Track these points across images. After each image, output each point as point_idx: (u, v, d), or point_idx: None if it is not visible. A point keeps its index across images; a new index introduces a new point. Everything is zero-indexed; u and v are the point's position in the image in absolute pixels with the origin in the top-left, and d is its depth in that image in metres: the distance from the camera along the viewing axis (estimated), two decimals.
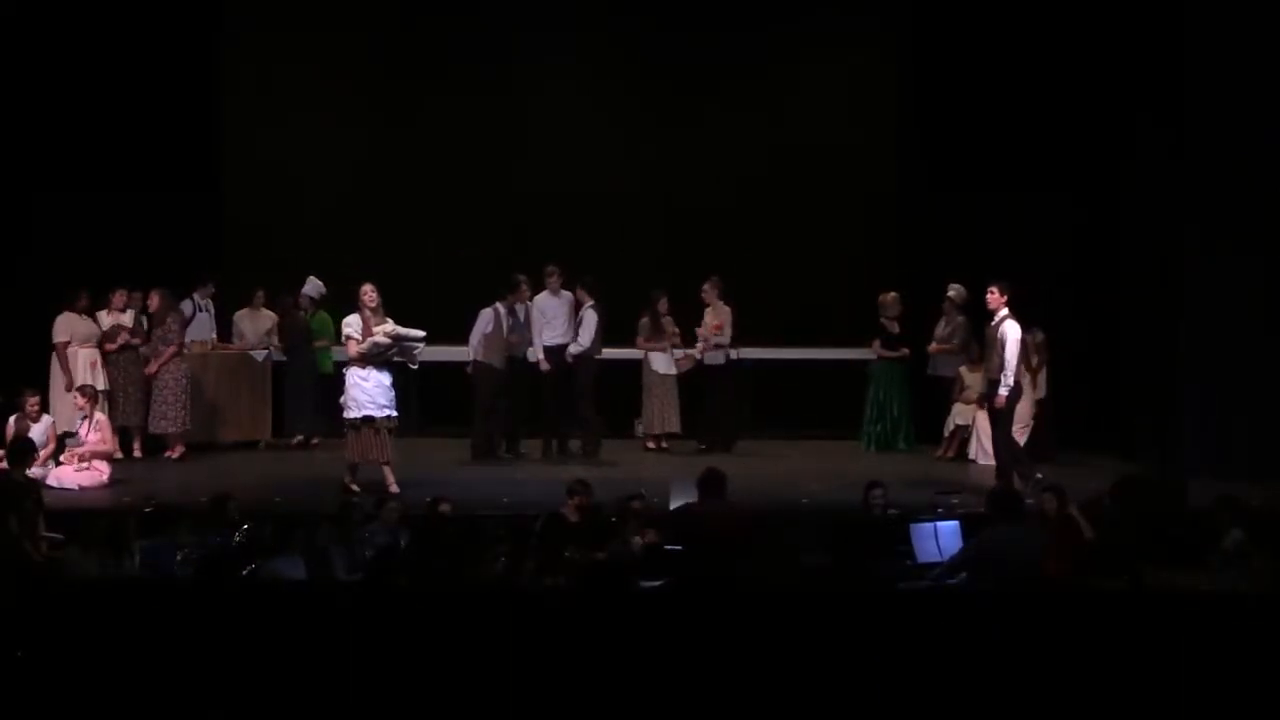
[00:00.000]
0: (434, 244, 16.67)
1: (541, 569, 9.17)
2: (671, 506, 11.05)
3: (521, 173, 17.00)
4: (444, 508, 10.72)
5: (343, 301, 15.84)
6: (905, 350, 15.41)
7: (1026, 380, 14.91)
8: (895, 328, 15.64)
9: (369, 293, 12.75)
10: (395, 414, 12.76)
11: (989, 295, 12.79)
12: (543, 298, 15.12)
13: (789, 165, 17.03)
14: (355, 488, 12.51)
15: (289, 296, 15.68)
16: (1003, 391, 12.61)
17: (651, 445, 15.54)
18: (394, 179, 17.07)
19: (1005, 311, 12.69)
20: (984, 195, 15.66)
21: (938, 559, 9.80)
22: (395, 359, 12.80)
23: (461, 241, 16.62)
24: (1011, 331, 12.58)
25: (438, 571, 8.79)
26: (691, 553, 9.48)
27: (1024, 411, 14.89)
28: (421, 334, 13.05)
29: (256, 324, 15.58)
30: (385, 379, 12.68)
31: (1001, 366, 12.57)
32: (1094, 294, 15.44)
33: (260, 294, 15.64)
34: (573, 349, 14.89)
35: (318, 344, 15.65)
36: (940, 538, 10.07)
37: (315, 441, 15.56)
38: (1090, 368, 15.23)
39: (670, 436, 15.55)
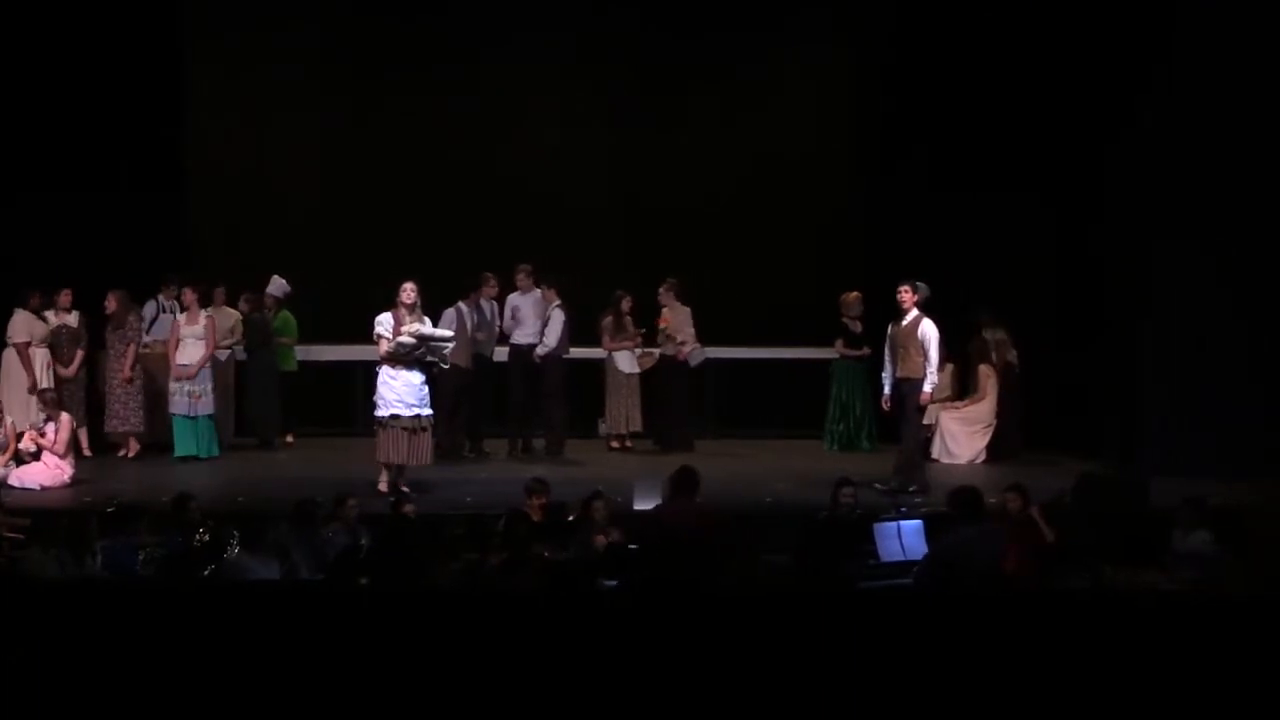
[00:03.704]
0: (402, 242, 16.60)
1: (505, 568, 9.13)
2: (635, 506, 11.05)
3: (489, 172, 16.96)
4: (408, 509, 10.69)
5: (309, 301, 15.91)
6: (867, 349, 15.43)
7: (991, 379, 15.00)
8: (857, 327, 15.66)
9: (409, 291, 12.56)
10: (427, 413, 12.66)
11: (901, 294, 12.92)
12: (513, 296, 15.10)
13: (753, 166, 17.08)
14: (384, 488, 12.44)
15: (255, 295, 15.58)
16: (927, 389, 12.81)
17: (615, 445, 15.53)
18: (362, 177, 17.00)
19: (917, 312, 12.81)
20: (948, 195, 15.69)
21: (900, 558, 9.81)
22: (425, 359, 12.69)
23: (430, 240, 16.56)
24: (932, 330, 12.78)
25: (400, 571, 8.75)
26: (654, 552, 9.46)
27: (984, 411, 14.98)
28: (450, 334, 13.03)
29: (219, 322, 15.46)
30: (415, 378, 12.55)
31: (924, 365, 12.75)
32: (1060, 292, 15.49)
33: (220, 292, 15.53)
34: (539, 350, 14.86)
35: (281, 341, 15.58)
36: (904, 537, 10.07)
37: (290, 440, 15.53)
38: (1057, 366, 15.27)
39: (634, 436, 15.55)
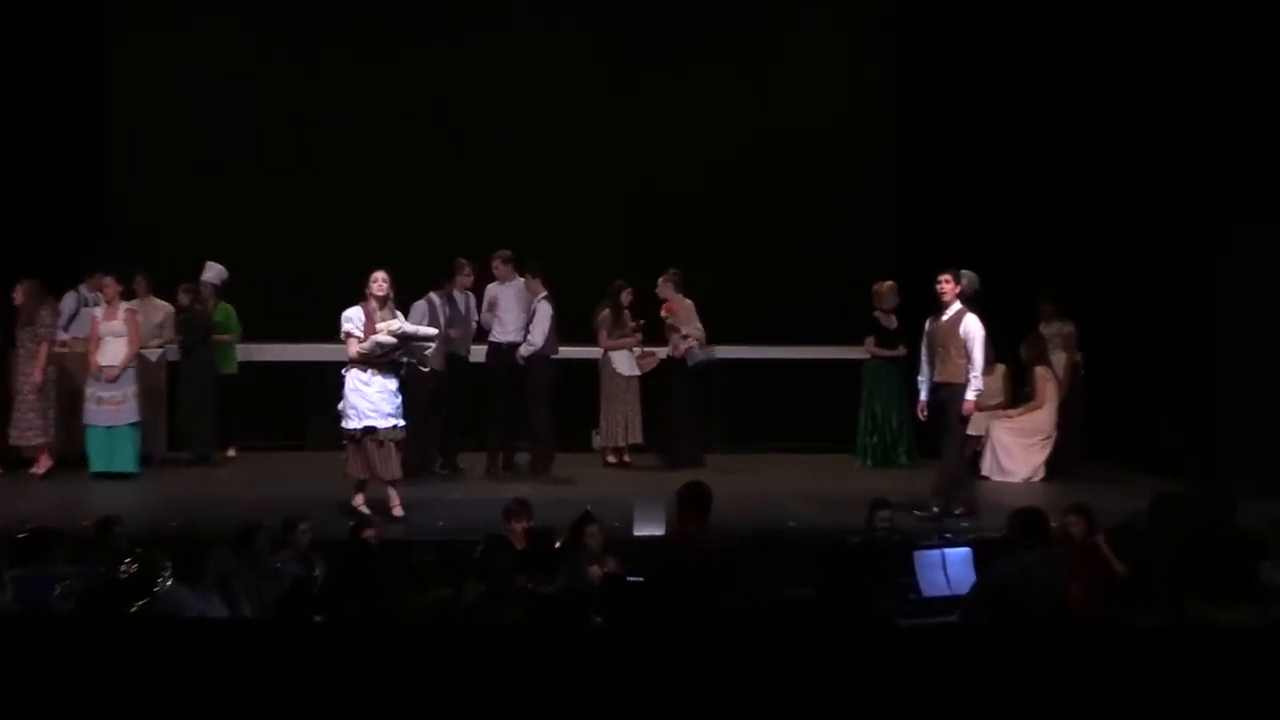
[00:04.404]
0: (360, 225, 16.60)
1: (483, 602, 9.11)
2: (635, 531, 11.02)
3: (463, 145, 17.01)
4: (368, 533, 10.67)
5: (253, 293, 15.89)
6: (903, 349, 15.40)
7: (1051, 383, 14.97)
8: (892, 322, 15.66)
9: (380, 281, 12.57)
10: (402, 424, 12.67)
11: (942, 284, 12.85)
12: (492, 287, 15.09)
13: (768, 133, 17.10)
14: (365, 509, 12.46)
15: (194, 284, 15.55)
16: (971, 395, 12.73)
17: (612, 459, 15.54)
18: (315, 151, 17.03)
19: (960, 305, 12.78)
20: (996, 170, 15.73)
21: (945, 592, 9.78)
22: (402, 360, 12.69)
23: (391, 226, 16.57)
24: (976, 327, 12.72)
25: (361, 607, 8.72)
26: (657, 585, 9.43)
27: (1043, 420, 14.95)
28: (433, 332, 13.08)
29: (145, 316, 15.44)
30: (390, 384, 12.55)
31: (967, 368, 12.69)
32: (1124, 283, 15.49)
33: (142, 281, 15.47)
34: (524, 349, 14.85)
35: (220, 339, 15.57)
36: (949, 567, 10.05)
37: (231, 454, 15.57)
38: (1125, 367, 15.28)
39: (633, 449, 15.54)
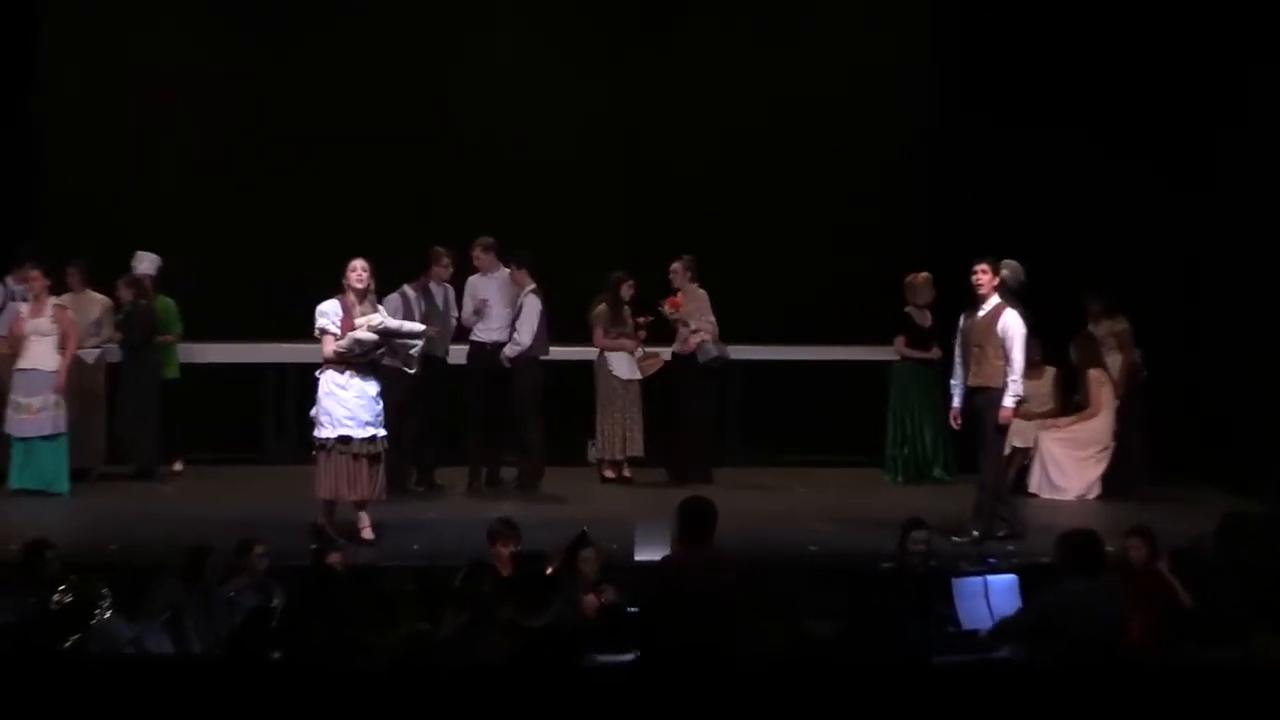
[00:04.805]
0: (323, 210, 16.60)
1: (464, 637, 9.12)
2: (637, 556, 11.01)
3: (440, 117, 17.01)
4: (334, 558, 10.67)
5: (191, 285, 15.88)
6: (937, 349, 15.41)
7: (1106, 388, 14.97)
8: (926, 319, 15.68)
9: (359, 271, 12.52)
10: (383, 434, 12.66)
11: (978, 275, 12.82)
12: (474, 279, 15.11)
13: (788, 103, 17.08)
14: (331, 531, 12.40)
15: (133, 279, 15.53)
16: (1009, 402, 12.72)
17: (610, 474, 15.54)
18: (272, 128, 17.03)
19: (998, 299, 12.78)
20: (1045, 149, 15.75)
21: (988, 624, 9.78)
22: (384, 362, 12.69)
23: (361, 208, 16.59)
24: (1015, 324, 12.71)
25: (325, 642, 8.73)
26: (660, 617, 9.43)
27: (1098, 430, 14.95)
28: (420, 328, 13.02)
29: (81, 312, 15.44)
30: (370, 388, 12.52)
31: (1005, 370, 12.67)
32: (1187, 274, 15.49)
33: (76, 272, 15.43)
34: (509, 349, 14.86)
35: (164, 339, 15.59)
36: (992, 596, 10.03)
37: (177, 468, 15.56)
38: (1188, 371, 15.28)
39: (634, 462, 15.56)
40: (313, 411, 12.57)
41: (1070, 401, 15.38)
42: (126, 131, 16.86)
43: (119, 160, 16.81)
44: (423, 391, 14.62)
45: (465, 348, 15.22)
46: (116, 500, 14.41)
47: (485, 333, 15.03)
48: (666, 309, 15.37)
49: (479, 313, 15.02)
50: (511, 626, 9.25)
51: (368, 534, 12.51)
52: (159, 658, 8.88)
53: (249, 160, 16.95)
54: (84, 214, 16.48)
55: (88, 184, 16.66)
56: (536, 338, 14.84)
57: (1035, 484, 14.99)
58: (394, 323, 12.71)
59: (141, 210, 16.47)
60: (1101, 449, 15.01)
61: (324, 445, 12.46)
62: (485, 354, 15.00)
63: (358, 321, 12.39)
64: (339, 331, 12.38)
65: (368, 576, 10.75)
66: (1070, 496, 14.87)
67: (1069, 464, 15.01)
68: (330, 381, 12.45)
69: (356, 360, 12.43)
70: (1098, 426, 15.04)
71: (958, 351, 13.14)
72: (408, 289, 14.69)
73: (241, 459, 16.21)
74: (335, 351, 12.38)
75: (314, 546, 11.07)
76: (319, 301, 12.50)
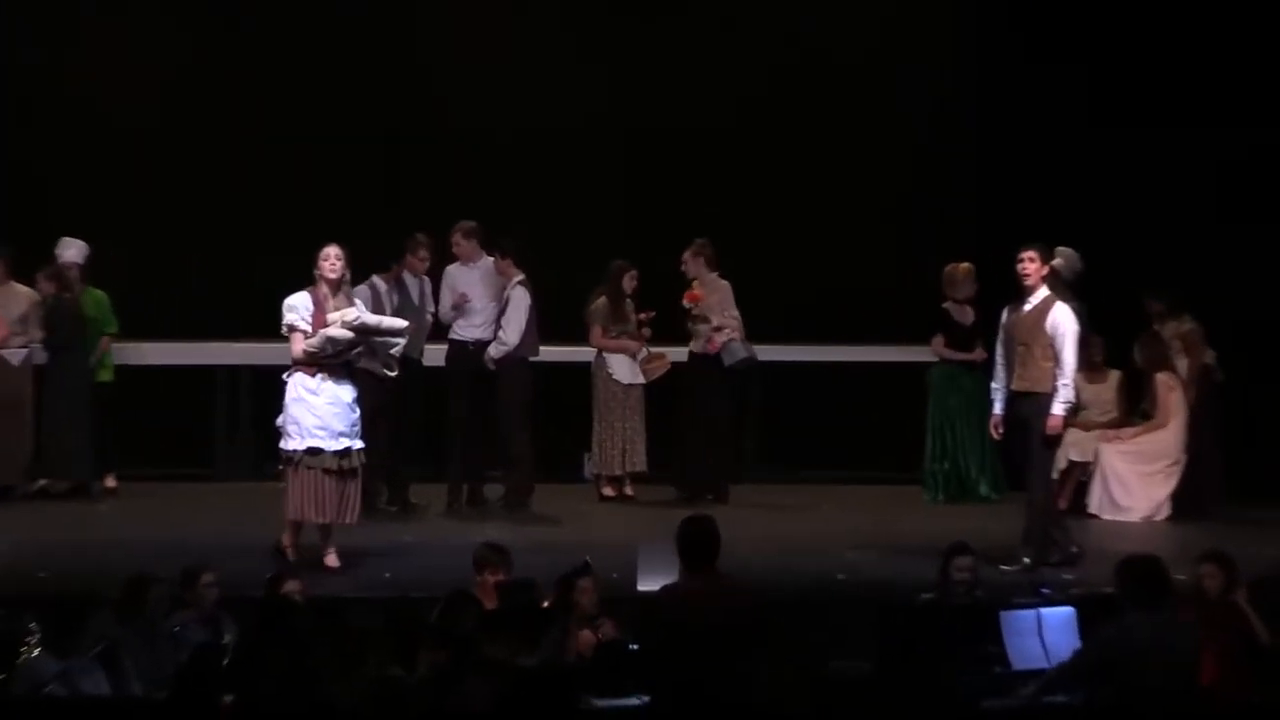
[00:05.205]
0: (282, 192, 16.64)
1: (442, 678, 9.10)
2: (640, 586, 11.00)
3: (417, 87, 17.10)
4: (292, 587, 10.64)
5: (129, 277, 15.89)
6: (981, 350, 15.39)
7: (1177, 394, 14.96)
8: (967, 315, 15.69)
9: (332, 260, 12.48)
10: (359, 446, 12.62)
11: (1024, 263, 12.75)
12: (453, 269, 15.12)
13: (814, 70, 17.14)
14: (290, 555, 12.44)
15: (56, 269, 15.53)
16: (1058, 410, 12.66)
17: (609, 492, 15.58)
18: (226, 95, 17.07)
19: (1047, 291, 12.74)
20: (1104, 123, 15.78)
21: (1042, 664, 9.77)
22: (360, 364, 12.69)
23: (326, 190, 16.63)
24: (1067, 320, 12.65)
25: (282, 684, 8.71)
26: (664, 656, 9.42)
27: (1167, 442, 14.93)
28: (402, 324, 12.98)
29: (5, 307, 15.42)
30: (345, 393, 12.47)
31: (1055, 374, 12.62)
32: (1267, 265, 15.51)
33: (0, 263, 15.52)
34: (494, 349, 14.86)
35: (103, 338, 15.61)
36: (1046, 631, 10.02)
37: (110, 485, 15.57)
38: (1269, 378, 15.28)
39: (636, 478, 15.58)
40: (279, 420, 12.54)
41: (1136, 409, 15.39)
42: (57, 103, 16.92)
43: (45, 135, 16.86)
44: (395, 398, 14.60)
45: (444, 348, 15.20)
46: (45, 522, 14.44)
47: (466, 330, 15.03)
48: (685, 303, 15.33)
49: (459, 308, 14.99)
50: (497, 667, 9.24)
51: (332, 561, 12.48)
52: (94, 699, 8.88)
53: (196, 132, 16.98)
54: (5, 197, 16.51)
55: (9, 162, 16.67)
56: (524, 336, 14.84)
57: (1095, 503, 14.99)
58: (372, 318, 12.67)
59: (71, 191, 16.52)
60: (1171, 463, 15.01)
61: (291, 459, 12.43)
62: (466, 355, 15.00)
63: (330, 317, 12.36)
64: (310, 328, 12.35)
65: (332, 609, 10.70)
66: (1135, 518, 14.89)
67: (1134, 480, 15.01)
68: (299, 385, 12.41)
69: (329, 361, 12.39)
70: (1167, 438, 15.04)
71: (999, 350, 13.10)
72: (377, 280, 14.65)
73: (188, 475, 16.22)
74: (305, 351, 12.35)
75: (269, 575, 11.03)
76: (278, 293, 12.49)
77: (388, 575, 12.39)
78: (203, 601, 10.36)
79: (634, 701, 9.07)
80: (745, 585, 9.87)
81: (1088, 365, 14.96)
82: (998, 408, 13.08)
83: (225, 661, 9.27)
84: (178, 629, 10.02)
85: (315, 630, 9.77)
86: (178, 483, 16.05)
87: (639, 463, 15.55)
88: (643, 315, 15.48)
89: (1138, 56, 15.82)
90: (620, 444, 15.50)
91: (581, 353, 15.68)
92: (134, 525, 14.19)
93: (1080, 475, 15.03)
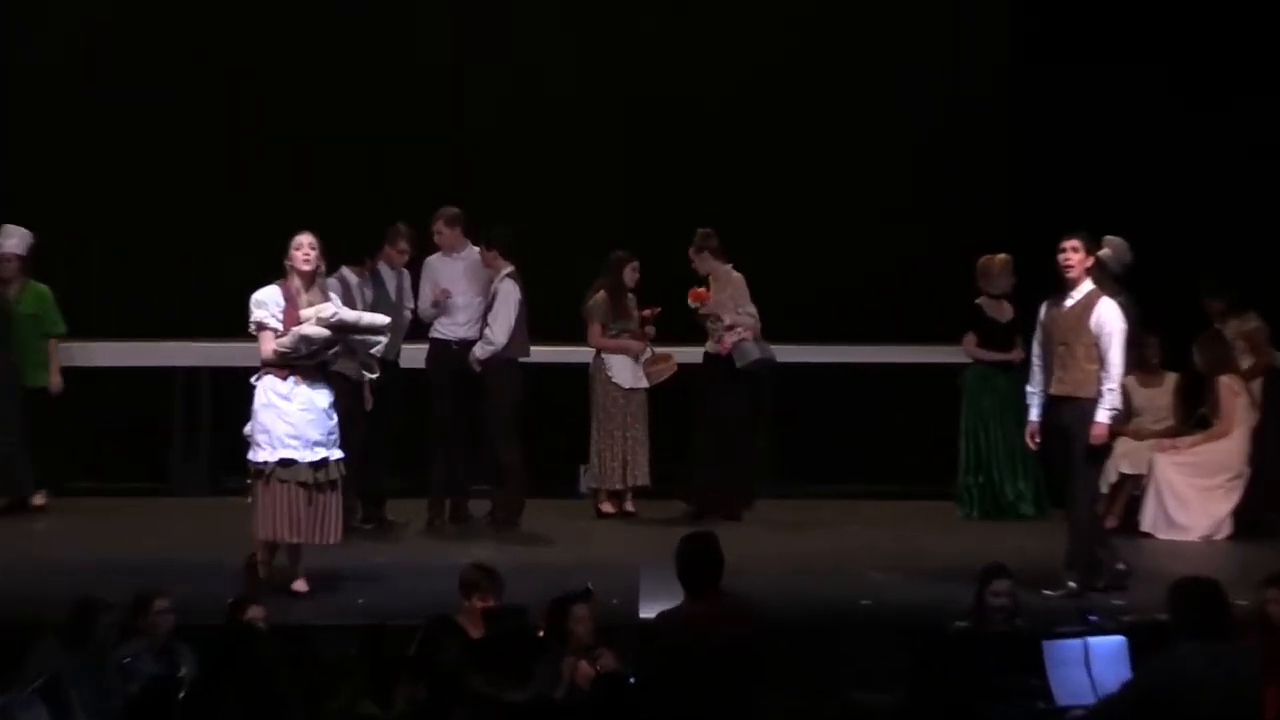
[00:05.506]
0: (248, 176, 16.68)
1: (422, 715, 9.09)
2: (642, 610, 10.98)
3: (400, 60, 17.16)
4: (254, 613, 10.62)
5: (72, 271, 15.89)
6: (1019, 350, 15.35)
7: (1242, 400, 14.94)
8: (1004, 312, 15.68)
9: (304, 250, 12.39)
10: (338, 456, 12.54)
11: (1067, 253, 12.68)
12: (434, 260, 15.13)
13: (833, 41, 17.24)
14: (260, 576, 12.42)
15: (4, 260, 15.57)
16: (1104, 416, 12.59)
17: (608, 508, 15.58)
18: (187, 65, 17.09)
19: (1092, 285, 12.70)
20: (1154, 97, 15.79)
21: (1089, 699, 9.76)
22: (334, 367, 12.69)
23: (297, 176, 16.68)
24: (1113, 317, 12.58)
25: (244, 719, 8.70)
26: (666, 687, 9.41)
27: (1229, 453, 14.91)
28: (383, 320, 12.92)
29: None
30: (321, 398, 12.42)
31: (1100, 377, 12.57)
32: None
33: None
34: (480, 349, 14.85)
35: (50, 337, 15.59)
36: (1093, 662, 10.01)
37: (39, 502, 15.55)
38: None
39: (638, 493, 15.59)
40: (247, 429, 12.51)
41: (1194, 416, 15.37)
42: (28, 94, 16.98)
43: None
44: (371, 403, 14.59)
45: (424, 348, 15.19)
46: None
47: (449, 328, 15.02)
48: (691, 302, 15.29)
49: (440, 304, 14.97)
50: (483, 702, 9.23)
51: (300, 585, 12.44)
52: None
53: (155, 111, 16.99)
54: None
55: None
56: (514, 335, 14.85)
57: (1149, 521, 14.95)
58: (351, 314, 12.62)
59: (13, 175, 16.51)
60: (1233, 477, 14.99)
61: (261, 471, 12.38)
62: (450, 355, 15.01)
63: (304, 313, 12.32)
64: (281, 326, 12.31)
65: (299, 638, 10.66)
66: (1193, 536, 14.85)
67: (1192, 496, 14.98)
68: (270, 390, 12.36)
69: (302, 362, 12.36)
70: (1229, 449, 15.01)
71: (1036, 350, 13.04)
72: (348, 273, 14.56)
73: (138, 489, 16.22)
74: (276, 351, 12.29)
75: (230, 600, 11.00)
76: (242, 288, 12.47)
77: (361, 601, 12.39)
78: (156, 630, 10.36)
79: None
80: (749, 606, 9.88)
81: (1141, 367, 14.99)
82: (1034, 414, 13.01)
83: (181, 696, 9.24)
84: (128, 660, 10.03)
85: (281, 661, 9.75)
86: (128, 498, 16.04)
87: (641, 476, 15.53)
88: (646, 312, 15.45)
89: (1206, 35, 15.82)
90: (621, 455, 15.48)
91: (578, 353, 15.69)
92: (79, 545, 14.18)
93: (1133, 490, 15.01)
